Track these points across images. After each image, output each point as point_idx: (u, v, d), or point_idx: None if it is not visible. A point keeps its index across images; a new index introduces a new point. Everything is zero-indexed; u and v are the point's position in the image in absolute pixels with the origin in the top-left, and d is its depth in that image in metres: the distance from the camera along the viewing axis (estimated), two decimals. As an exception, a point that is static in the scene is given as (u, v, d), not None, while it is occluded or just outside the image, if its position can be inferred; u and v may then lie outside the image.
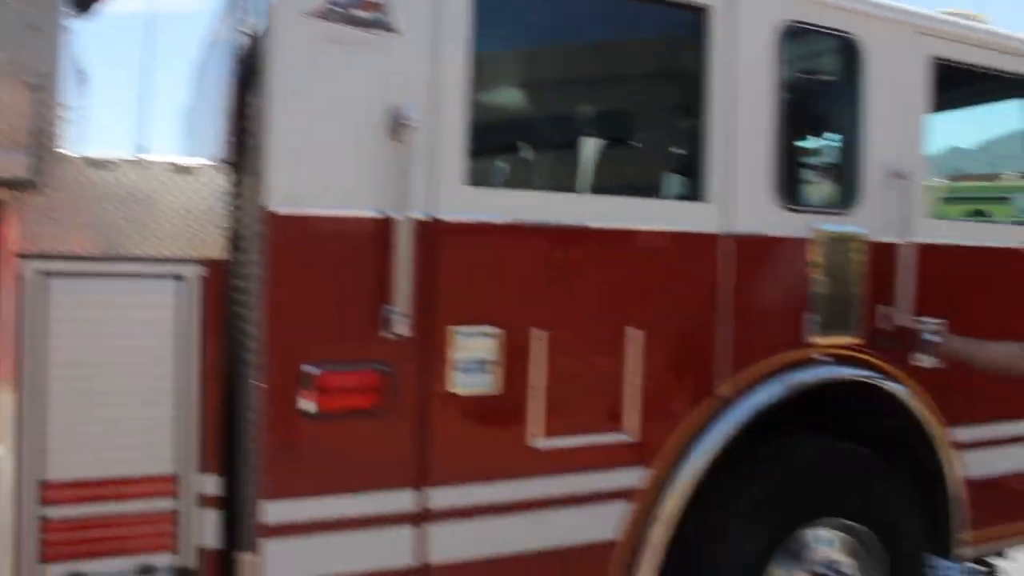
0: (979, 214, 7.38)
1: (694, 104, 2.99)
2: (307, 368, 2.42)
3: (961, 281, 3.57)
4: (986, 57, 3.59)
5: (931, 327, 3.32)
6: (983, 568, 4.18)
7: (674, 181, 3.33)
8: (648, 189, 3.29)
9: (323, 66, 2.40)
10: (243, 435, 2.48)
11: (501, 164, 3.55)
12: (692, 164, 3.02)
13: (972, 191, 8.63)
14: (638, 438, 2.85)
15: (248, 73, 2.48)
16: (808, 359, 3.17)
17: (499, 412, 2.67)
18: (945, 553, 3.65)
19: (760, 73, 3.03)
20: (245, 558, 2.45)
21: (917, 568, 3.47)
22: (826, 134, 3.52)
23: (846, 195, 3.29)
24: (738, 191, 2.99)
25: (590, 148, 3.38)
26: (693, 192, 3.02)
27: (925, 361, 3.36)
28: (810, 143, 3.51)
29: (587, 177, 3.36)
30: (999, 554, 4.24)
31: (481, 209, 2.62)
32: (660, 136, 3.41)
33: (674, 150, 3.36)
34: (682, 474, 2.91)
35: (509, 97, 3.41)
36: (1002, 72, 3.68)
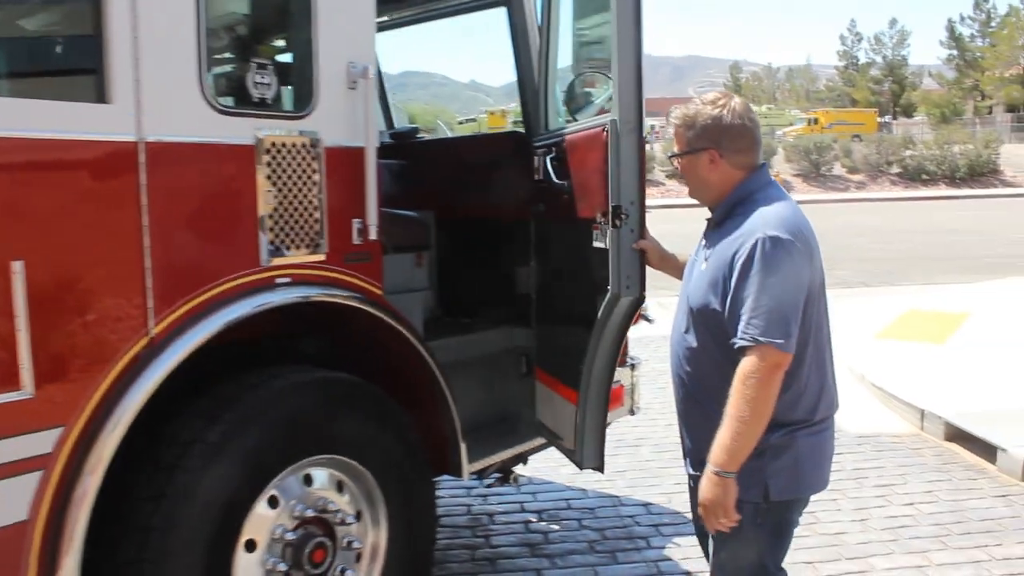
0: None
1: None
2: None
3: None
4: None
5: None
6: (500, 474, 4.23)
7: (76, 80, 2.76)
8: (36, 90, 2.70)
9: None
10: None
11: None
12: (99, 61, 2.49)
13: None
14: (46, 395, 2.33)
15: None
16: (268, 283, 2.82)
17: None
18: (457, 472, 3.56)
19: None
20: None
21: (420, 491, 3.32)
22: (274, 28, 3.15)
23: (300, 97, 2.94)
24: (155, 91, 2.50)
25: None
26: (98, 93, 2.49)
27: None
28: (254, 38, 3.11)
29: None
30: (522, 460, 4.32)
31: None
32: (60, 28, 2.84)
33: (78, 45, 2.79)
34: (107, 428, 2.44)
35: None
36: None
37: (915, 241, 18.25)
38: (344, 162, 2.99)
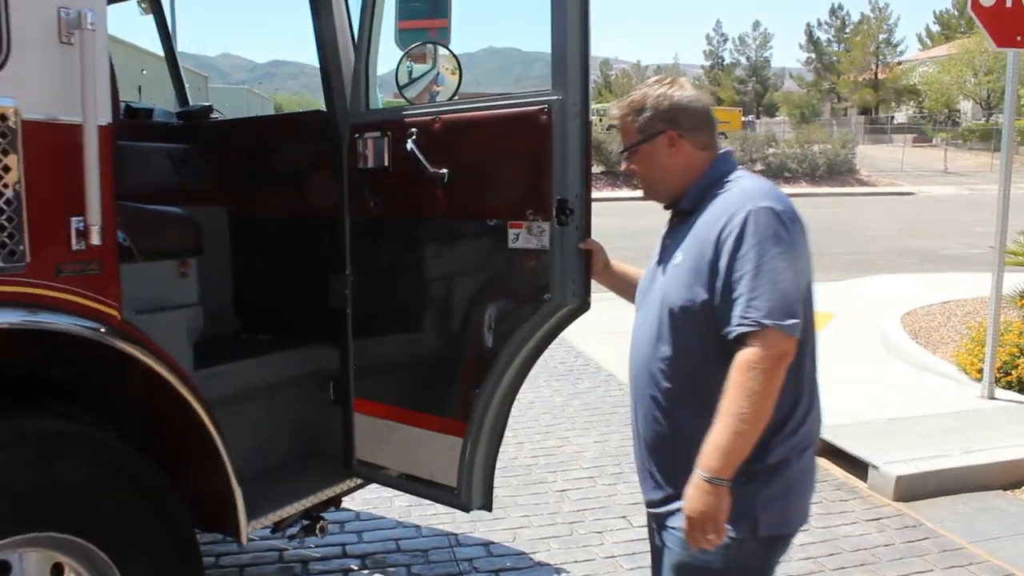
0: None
1: None
2: None
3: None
4: None
5: None
6: (306, 522, 3.53)
7: None
8: None
9: None
10: None
11: None
12: None
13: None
14: None
15: None
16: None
17: None
18: (235, 534, 2.85)
19: None
20: None
21: (177, 564, 2.59)
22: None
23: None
24: None
25: None
26: None
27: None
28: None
29: None
30: (333, 504, 3.63)
31: None
32: None
33: None
34: None
35: None
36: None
37: (778, 238, 18.32)
38: (53, 141, 2.23)
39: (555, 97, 2.67)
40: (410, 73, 3.34)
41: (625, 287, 2.70)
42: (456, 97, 3.32)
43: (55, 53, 2.21)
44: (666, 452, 2.20)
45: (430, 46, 3.37)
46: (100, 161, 2.26)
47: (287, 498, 3.14)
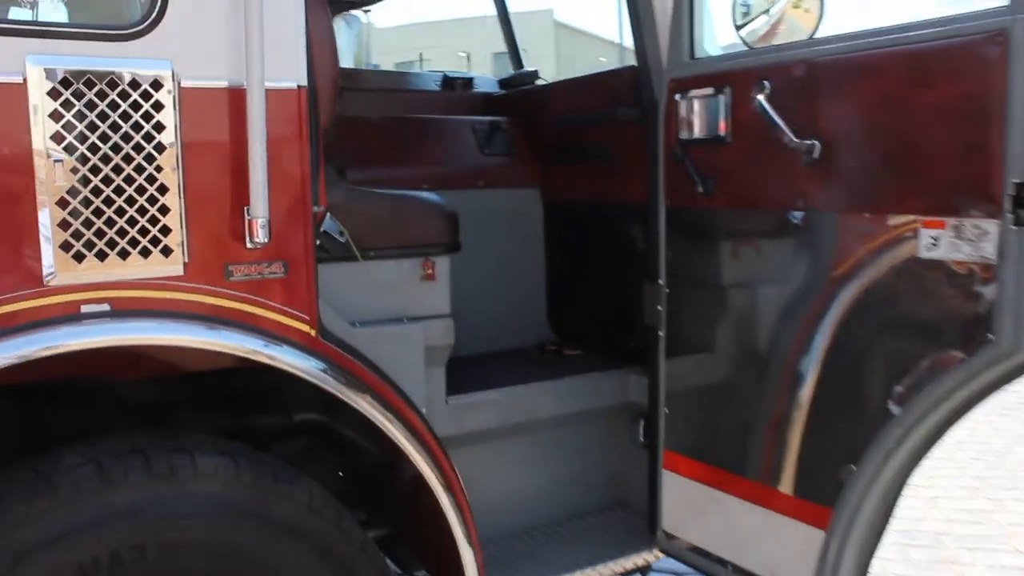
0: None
1: None
2: None
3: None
4: None
5: None
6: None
7: None
8: None
9: None
10: None
11: None
12: None
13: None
14: None
15: None
16: (65, 312, 1.70)
17: None
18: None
19: None
20: None
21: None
22: None
23: (131, 7, 1.81)
24: None
25: None
26: None
27: None
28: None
29: None
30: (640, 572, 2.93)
31: None
32: None
33: None
34: None
35: None
36: None
37: None
38: (219, 113, 1.80)
39: (1016, 16, 1.69)
40: (752, 9, 2.49)
41: None
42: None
43: (222, 5, 1.78)
44: None
45: None
46: (268, 134, 1.79)
47: (553, 568, 2.49)
